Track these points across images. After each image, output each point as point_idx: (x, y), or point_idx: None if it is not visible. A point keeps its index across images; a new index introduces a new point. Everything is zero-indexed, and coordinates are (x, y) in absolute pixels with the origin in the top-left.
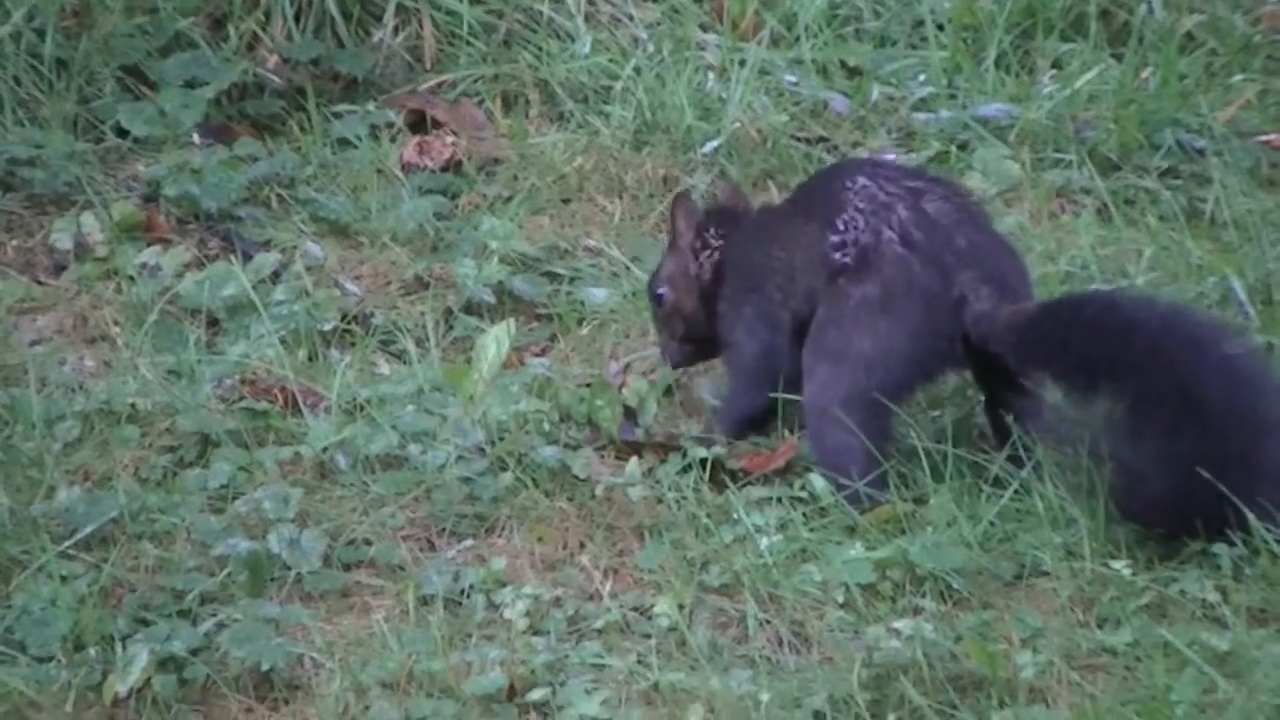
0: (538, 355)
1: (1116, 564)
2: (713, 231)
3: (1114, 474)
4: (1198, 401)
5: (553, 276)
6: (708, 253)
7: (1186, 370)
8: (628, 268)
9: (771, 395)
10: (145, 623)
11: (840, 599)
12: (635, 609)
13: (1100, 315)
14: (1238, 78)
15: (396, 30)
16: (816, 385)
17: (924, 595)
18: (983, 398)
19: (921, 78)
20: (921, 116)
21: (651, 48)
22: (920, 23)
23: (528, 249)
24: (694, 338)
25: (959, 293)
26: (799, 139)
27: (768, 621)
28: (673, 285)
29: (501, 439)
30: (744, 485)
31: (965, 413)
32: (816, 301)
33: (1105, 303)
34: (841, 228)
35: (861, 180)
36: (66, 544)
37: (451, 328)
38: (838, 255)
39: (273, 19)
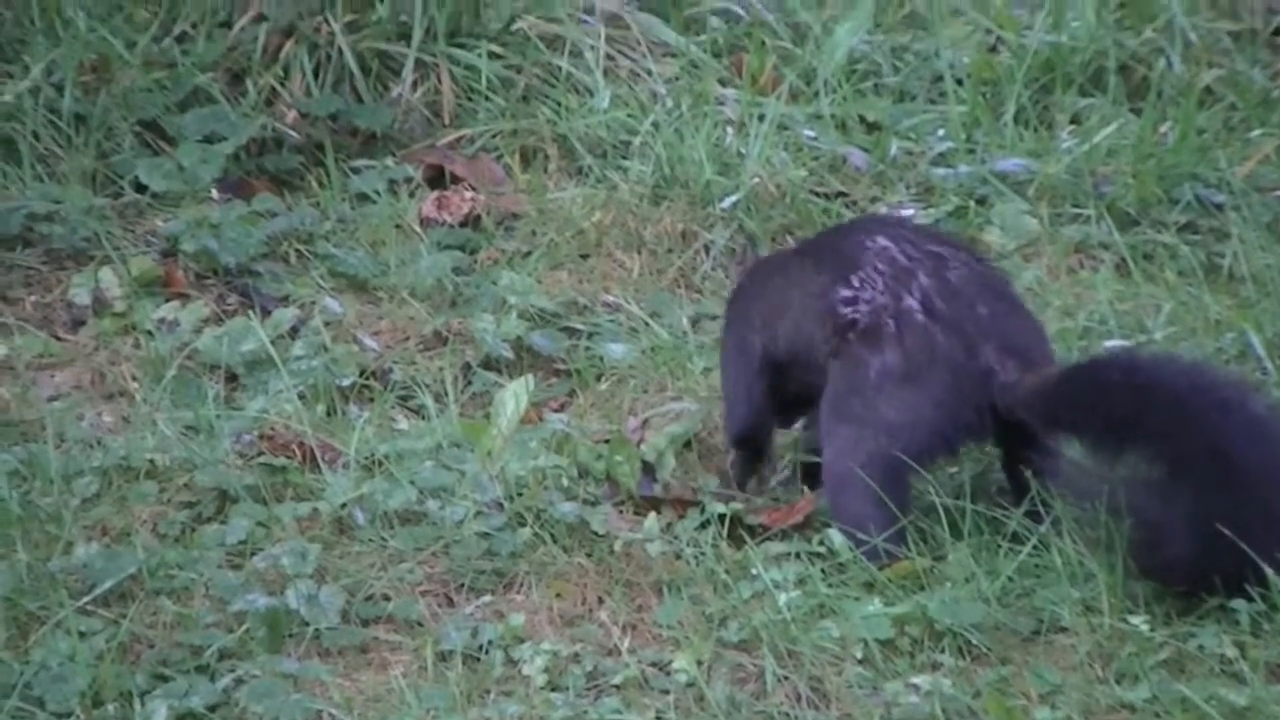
0: (556, 411)
1: (1135, 619)
2: None
3: (1134, 531)
4: (1228, 462)
5: (571, 332)
6: None
7: (1215, 431)
8: (646, 323)
9: (762, 419)
10: (164, 679)
11: (859, 655)
12: (654, 665)
13: (1124, 378)
14: (1256, 132)
15: (415, 85)
16: (836, 449)
17: (942, 651)
18: (1000, 454)
19: (940, 133)
20: (940, 171)
21: (670, 103)
22: (939, 78)
23: (546, 304)
24: None
25: (985, 364)
26: (818, 194)
27: (786, 677)
28: None
29: (520, 494)
30: (762, 541)
31: (983, 468)
32: (808, 349)
33: (1128, 365)
34: (856, 284)
35: (882, 241)
36: (85, 600)
37: (470, 383)
38: (847, 310)
39: (291, 74)
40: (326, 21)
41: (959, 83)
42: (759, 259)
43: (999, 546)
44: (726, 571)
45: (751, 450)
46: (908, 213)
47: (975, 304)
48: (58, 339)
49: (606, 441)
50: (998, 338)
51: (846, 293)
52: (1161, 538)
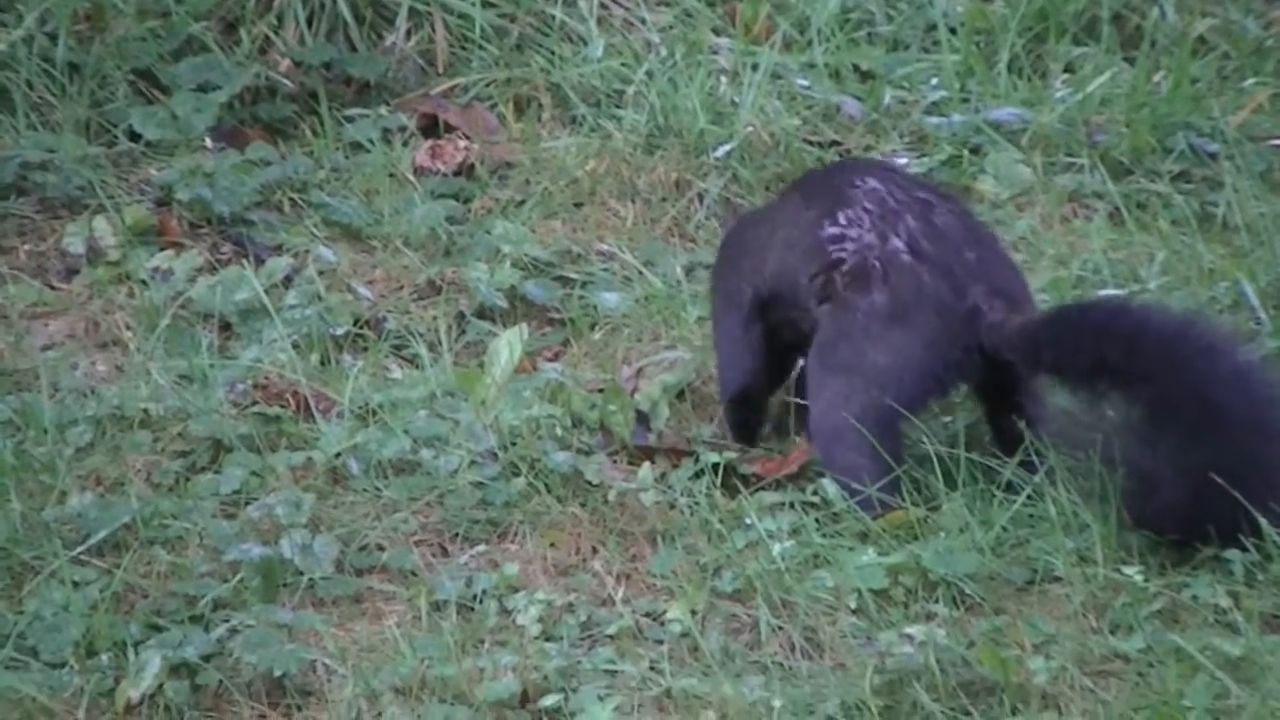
0: (550, 360)
1: (1129, 569)
2: None
3: (1127, 480)
4: (1214, 410)
5: (565, 281)
6: None
7: (1201, 379)
8: (640, 272)
9: (758, 373)
10: (158, 628)
11: (853, 605)
12: (648, 615)
13: (1111, 321)
14: (1250, 81)
15: (409, 34)
16: (825, 403)
17: (936, 601)
18: (985, 408)
19: (934, 81)
20: (934, 120)
21: (664, 51)
22: (933, 26)
23: (540, 253)
24: None
25: (972, 303)
26: (811, 143)
27: (780, 627)
28: None
29: (514, 444)
30: (756, 490)
31: (977, 418)
32: (792, 285)
33: (1115, 308)
34: (843, 221)
35: (872, 182)
36: (79, 549)
37: (464, 332)
38: (833, 248)
39: (285, 23)
40: None
41: (953, 31)
42: (745, 213)
43: (993, 496)
44: (721, 521)
45: (748, 407)
46: (901, 161)
47: (962, 248)
48: (52, 288)
49: (600, 391)
50: (985, 280)
51: (834, 230)
52: (1153, 487)
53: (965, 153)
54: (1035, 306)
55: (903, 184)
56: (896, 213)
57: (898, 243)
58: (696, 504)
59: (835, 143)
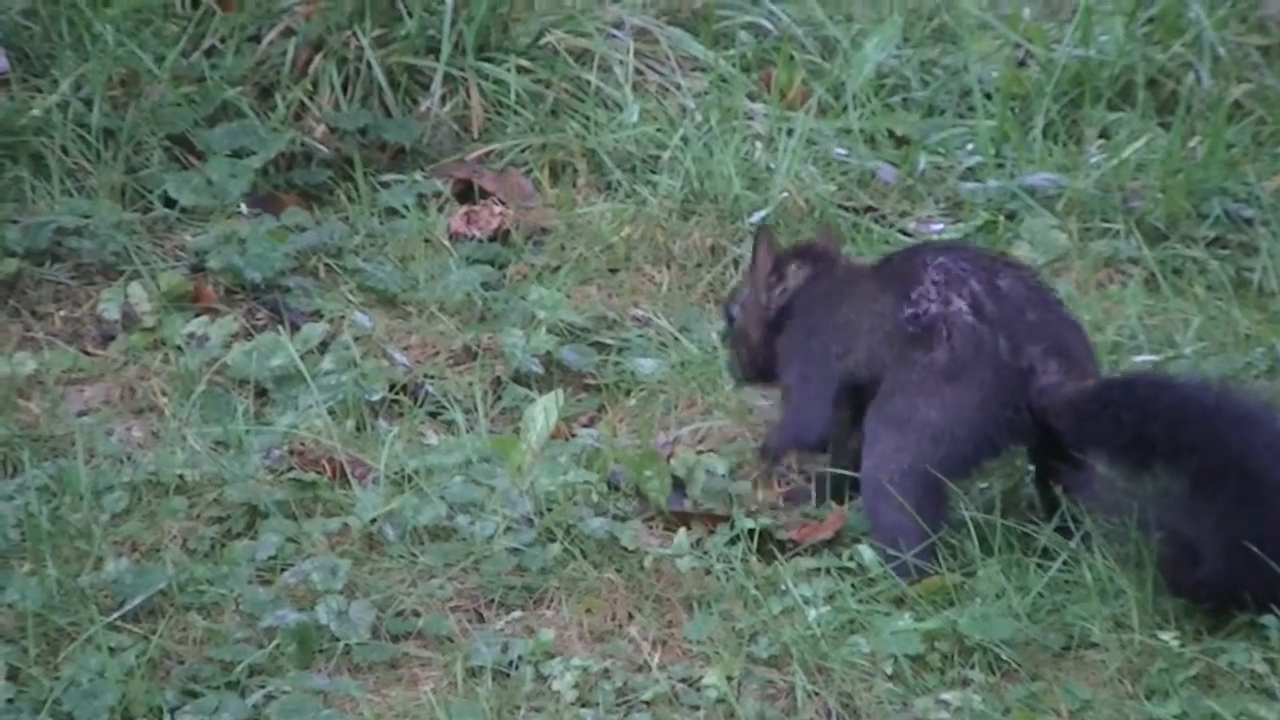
0: (586, 426)
1: (1165, 635)
2: (791, 269)
3: (1164, 547)
4: (1255, 479)
5: (601, 346)
6: (779, 291)
7: (1242, 448)
8: (676, 338)
9: (828, 434)
10: (193, 694)
11: (889, 670)
12: (684, 680)
13: (1151, 394)
14: None
15: (444, 100)
16: (878, 455)
17: (972, 667)
18: (1032, 469)
19: (969, 147)
20: (969, 186)
21: (699, 117)
22: (968, 92)
23: (576, 319)
24: (756, 363)
25: (1028, 364)
26: (846, 208)
27: (816, 693)
28: (744, 310)
29: (550, 510)
30: (792, 556)
31: (1014, 484)
32: (882, 369)
33: (1156, 383)
34: (915, 299)
35: (940, 258)
36: (114, 615)
37: (500, 398)
38: (911, 328)
39: (320, 88)
40: (355, 36)
41: (988, 97)
42: (821, 272)
43: (1029, 562)
44: (756, 587)
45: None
46: (937, 227)
47: (1024, 309)
48: (87, 354)
49: (636, 456)
50: (1044, 340)
51: (909, 310)
52: (1194, 557)
53: (1000, 218)
54: (1097, 370)
55: (969, 256)
56: (961, 278)
57: (961, 304)
58: (732, 570)
59: (870, 208)
